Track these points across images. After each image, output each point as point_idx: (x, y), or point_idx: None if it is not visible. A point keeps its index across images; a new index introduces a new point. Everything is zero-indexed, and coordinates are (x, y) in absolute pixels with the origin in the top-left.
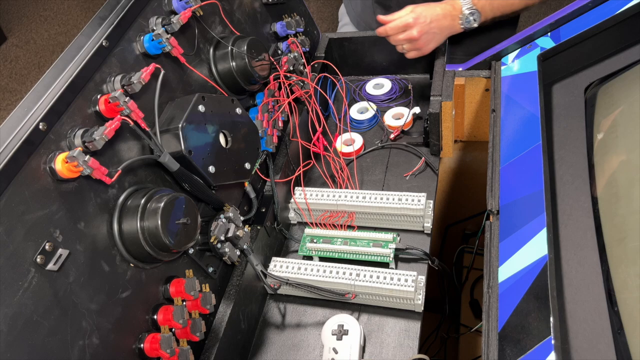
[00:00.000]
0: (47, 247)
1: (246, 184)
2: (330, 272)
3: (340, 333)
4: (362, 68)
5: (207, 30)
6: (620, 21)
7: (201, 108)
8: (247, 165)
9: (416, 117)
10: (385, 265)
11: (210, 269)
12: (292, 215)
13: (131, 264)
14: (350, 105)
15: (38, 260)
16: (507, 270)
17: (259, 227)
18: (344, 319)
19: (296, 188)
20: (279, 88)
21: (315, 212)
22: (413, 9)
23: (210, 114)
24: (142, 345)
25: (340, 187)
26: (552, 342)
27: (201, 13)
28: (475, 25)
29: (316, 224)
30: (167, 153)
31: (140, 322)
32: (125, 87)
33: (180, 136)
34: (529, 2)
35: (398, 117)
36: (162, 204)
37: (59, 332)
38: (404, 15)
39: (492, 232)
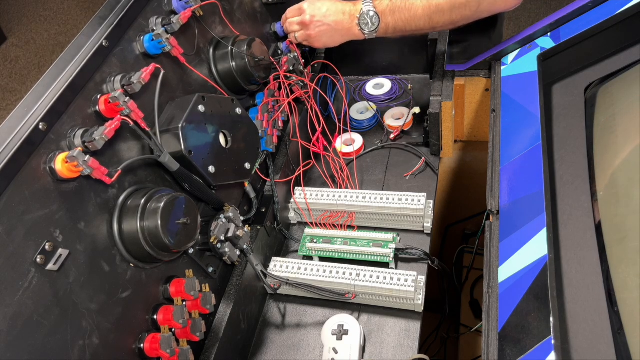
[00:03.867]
0: (47, 247)
1: (246, 184)
2: (330, 272)
3: (340, 333)
4: (362, 68)
5: (207, 30)
6: (620, 21)
7: (201, 108)
8: (247, 165)
9: (416, 117)
10: (385, 265)
11: (210, 269)
12: (292, 215)
13: (131, 264)
14: (350, 105)
15: (38, 260)
16: (507, 270)
17: (259, 227)
18: (344, 319)
19: (296, 188)
20: (279, 88)
21: (315, 212)
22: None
23: (210, 114)
24: (142, 345)
25: (340, 187)
26: (552, 342)
27: (201, 13)
28: (374, 29)
29: (316, 224)
30: (167, 153)
31: (140, 322)
32: (125, 87)
33: (180, 136)
34: (436, 25)
35: (398, 117)
36: (162, 204)
37: (59, 332)
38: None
39: (492, 232)
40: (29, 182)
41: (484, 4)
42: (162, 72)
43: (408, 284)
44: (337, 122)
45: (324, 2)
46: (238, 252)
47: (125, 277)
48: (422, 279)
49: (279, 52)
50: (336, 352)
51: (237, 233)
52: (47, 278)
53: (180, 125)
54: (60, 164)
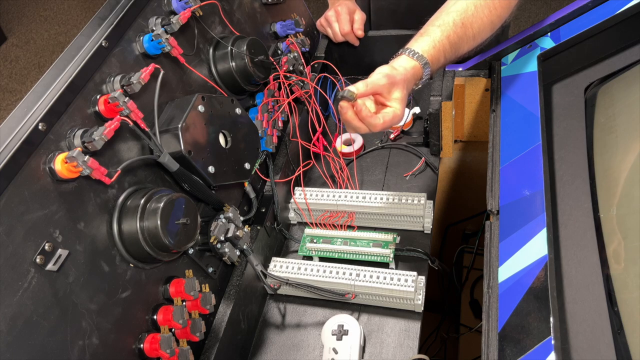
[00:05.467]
0: (46, 247)
1: (246, 184)
2: (330, 272)
3: (340, 333)
4: (362, 68)
5: (206, 30)
6: (620, 21)
7: (201, 108)
8: (247, 166)
9: (416, 117)
10: (385, 265)
11: (210, 269)
12: (292, 215)
13: (131, 264)
14: None
15: (38, 260)
16: (507, 270)
17: (259, 227)
18: (344, 319)
19: (296, 188)
20: (279, 88)
21: (315, 212)
22: (400, 99)
23: (210, 114)
24: (142, 345)
25: (340, 187)
26: (552, 342)
27: (201, 13)
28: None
29: (316, 224)
30: (166, 153)
31: (140, 322)
32: (124, 87)
33: (179, 136)
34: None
35: None
36: (161, 204)
37: (59, 332)
38: (394, 110)
39: (492, 232)
40: (29, 183)
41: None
42: (162, 72)
43: (408, 284)
44: (337, 122)
45: (406, 92)
46: (238, 252)
47: (125, 277)
48: (422, 279)
49: (279, 52)
50: (336, 352)
51: (237, 233)
52: (46, 278)
53: (179, 126)
54: (60, 164)
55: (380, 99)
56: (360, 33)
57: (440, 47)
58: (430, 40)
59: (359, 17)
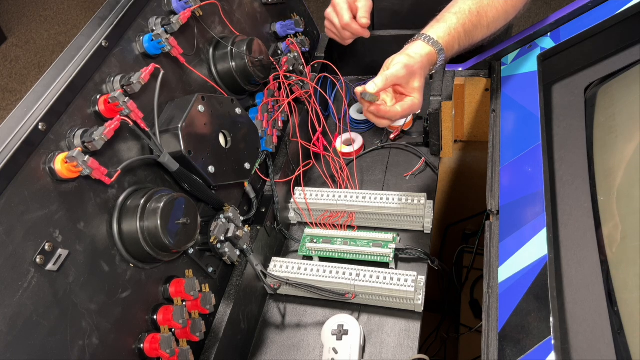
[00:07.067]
0: (46, 247)
1: (246, 184)
2: (330, 272)
3: (340, 333)
4: (362, 68)
5: (206, 30)
6: (620, 21)
7: (201, 108)
8: (247, 165)
9: (416, 117)
10: (385, 265)
11: (210, 269)
12: (292, 215)
13: (131, 264)
14: (350, 105)
15: (38, 260)
16: (507, 270)
17: (259, 227)
18: (344, 319)
19: (296, 188)
20: (279, 88)
21: (315, 212)
22: (419, 89)
23: (210, 114)
24: (142, 345)
25: (340, 187)
26: (552, 342)
27: (201, 13)
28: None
29: (316, 224)
30: (166, 153)
31: (140, 322)
32: (124, 87)
33: (179, 136)
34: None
35: None
36: (161, 204)
37: (58, 332)
38: (413, 99)
39: (492, 232)
40: (29, 182)
41: None
42: (162, 72)
43: (408, 284)
44: (337, 122)
45: (423, 79)
46: (238, 252)
47: (125, 277)
48: (422, 279)
49: (279, 52)
50: (336, 352)
51: (237, 233)
52: (46, 278)
53: (179, 126)
54: (60, 164)
55: (399, 89)
56: (364, 22)
57: (455, 34)
58: (446, 26)
59: (363, 4)
